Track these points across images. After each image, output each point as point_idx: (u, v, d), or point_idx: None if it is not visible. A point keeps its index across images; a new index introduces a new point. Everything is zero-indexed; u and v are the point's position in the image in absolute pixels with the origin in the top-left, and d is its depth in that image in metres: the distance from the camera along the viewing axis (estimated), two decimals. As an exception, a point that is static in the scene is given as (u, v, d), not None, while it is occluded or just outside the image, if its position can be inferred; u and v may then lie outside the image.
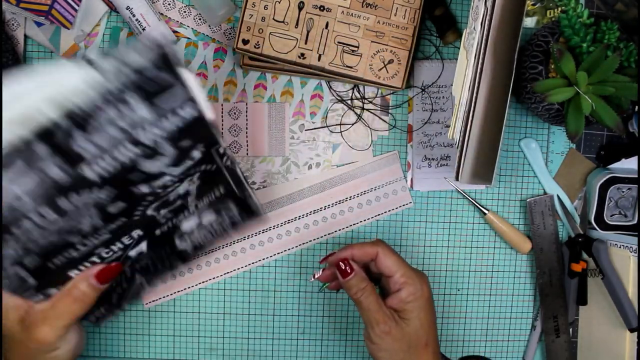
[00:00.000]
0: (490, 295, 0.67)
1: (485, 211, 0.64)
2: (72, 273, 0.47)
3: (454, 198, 0.65)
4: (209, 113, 0.42)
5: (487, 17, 0.52)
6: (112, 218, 0.44)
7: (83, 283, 0.46)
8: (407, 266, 0.52)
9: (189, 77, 0.39)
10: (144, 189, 0.44)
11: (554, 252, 0.65)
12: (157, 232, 0.49)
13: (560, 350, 0.66)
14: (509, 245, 0.66)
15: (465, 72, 0.54)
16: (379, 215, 0.65)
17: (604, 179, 0.62)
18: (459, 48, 0.63)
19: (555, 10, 0.63)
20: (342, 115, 0.63)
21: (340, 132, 0.63)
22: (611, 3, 0.57)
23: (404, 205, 0.65)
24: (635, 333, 0.60)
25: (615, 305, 0.60)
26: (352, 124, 0.63)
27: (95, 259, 0.47)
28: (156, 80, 0.38)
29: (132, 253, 0.49)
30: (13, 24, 0.60)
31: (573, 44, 0.54)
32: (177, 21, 0.61)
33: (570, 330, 0.67)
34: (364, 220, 0.65)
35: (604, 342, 0.64)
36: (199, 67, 0.62)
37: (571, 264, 0.64)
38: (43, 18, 0.57)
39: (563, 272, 0.65)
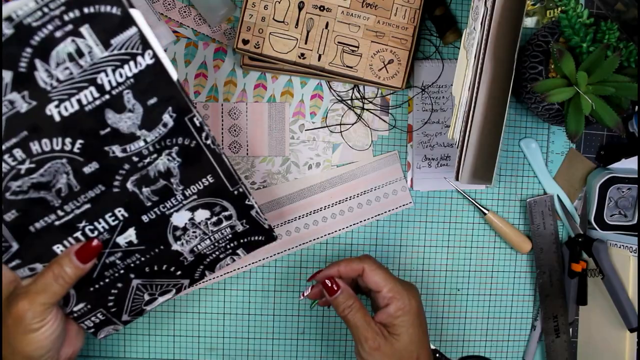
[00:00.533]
0: (490, 295, 0.67)
1: (485, 211, 0.64)
2: (57, 249, 0.47)
3: (454, 198, 0.65)
4: (171, 70, 0.43)
5: (487, 17, 0.52)
6: (88, 182, 0.45)
7: (64, 259, 0.46)
8: (394, 280, 0.51)
9: (142, 22, 0.41)
10: (117, 151, 0.45)
11: (554, 252, 0.65)
12: (145, 218, 0.48)
13: (560, 350, 0.66)
14: (509, 245, 0.66)
15: (465, 72, 0.54)
16: (379, 215, 0.65)
17: (604, 179, 0.62)
18: (459, 48, 0.63)
19: (555, 10, 0.63)
20: (342, 115, 0.63)
21: (340, 132, 0.64)
22: (611, 3, 0.57)
23: (404, 205, 0.65)
24: (635, 333, 0.60)
25: (615, 305, 0.60)
26: (352, 124, 0.63)
27: (79, 235, 0.47)
28: (105, 14, 0.41)
29: (121, 240, 0.48)
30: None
31: (573, 44, 0.54)
32: (177, 21, 0.61)
33: (570, 330, 0.67)
34: (364, 220, 0.65)
35: (604, 342, 0.64)
36: (199, 67, 0.62)
37: (571, 264, 0.64)
38: (43, 18, 0.57)
39: (563, 272, 0.65)
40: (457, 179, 0.54)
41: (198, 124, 0.45)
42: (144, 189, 0.47)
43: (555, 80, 0.54)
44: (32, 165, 0.43)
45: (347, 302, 0.51)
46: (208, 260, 0.53)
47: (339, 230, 0.64)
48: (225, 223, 0.52)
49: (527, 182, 0.66)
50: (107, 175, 0.45)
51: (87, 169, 0.44)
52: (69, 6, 0.39)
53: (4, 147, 0.42)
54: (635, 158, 0.63)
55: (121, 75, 0.42)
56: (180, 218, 0.50)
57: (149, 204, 0.48)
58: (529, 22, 0.63)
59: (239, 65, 0.62)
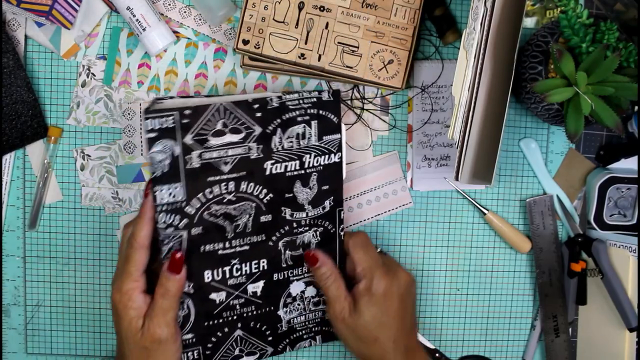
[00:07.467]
0: (490, 295, 0.67)
1: (485, 211, 0.64)
2: (206, 275, 0.52)
3: (453, 198, 0.65)
4: (344, 170, 0.56)
5: (487, 17, 0.52)
6: (258, 229, 0.53)
7: (162, 278, 0.50)
8: (372, 261, 0.55)
9: (343, 129, 0.55)
10: (287, 214, 0.54)
11: (554, 252, 0.65)
12: (275, 276, 0.56)
13: (559, 350, 0.66)
14: (509, 245, 0.66)
15: (465, 72, 0.54)
16: (379, 215, 0.65)
17: (604, 179, 0.62)
18: (459, 48, 0.63)
19: (555, 10, 0.63)
20: (342, 115, 0.63)
21: (340, 132, 0.64)
22: (610, 3, 0.57)
23: (404, 205, 0.65)
24: (635, 333, 0.60)
25: (615, 305, 0.60)
26: (352, 124, 0.64)
27: (227, 269, 0.53)
28: (328, 119, 0.54)
29: (250, 288, 0.55)
30: (14, 24, 0.60)
31: (572, 44, 0.54)
32: (178, 21, 0.61)
33: (570, 330, 0.67)
34: (364, 220, 0.65)
35: (603, 342, 0.64)
36: (199, 67, 0.62)
37: (571, 264, 0.64)
38: (43, 18, 0.57)
39: (563, 272, 0.65)
40: (457, 179, 0.54)
41: (342, 217, 0.57)
42: (287, 252, 0.56)
43: (554, 80, 0.54)
44: (234, 198, 0.51)
45: (325, 273, 0.55)
46: (294, 336, 0.59)
47: (339, 230, 0.64)
48: (321, 306, 0.59)
49: (526, 182, 0.66)
50: (272, 229, 0.54)
51: (263, 218, 0.53)
52: (314, 105, 0.53)
53: (230, 176, 0.51)
54: (635, 158, 0.63)
55: (317, 162, 0.54)
56: (296, 287, 0.57)
57: (284, 265, 0.56)
58: (529, 22, 0.63)
59: (239, 65, 0.62)
